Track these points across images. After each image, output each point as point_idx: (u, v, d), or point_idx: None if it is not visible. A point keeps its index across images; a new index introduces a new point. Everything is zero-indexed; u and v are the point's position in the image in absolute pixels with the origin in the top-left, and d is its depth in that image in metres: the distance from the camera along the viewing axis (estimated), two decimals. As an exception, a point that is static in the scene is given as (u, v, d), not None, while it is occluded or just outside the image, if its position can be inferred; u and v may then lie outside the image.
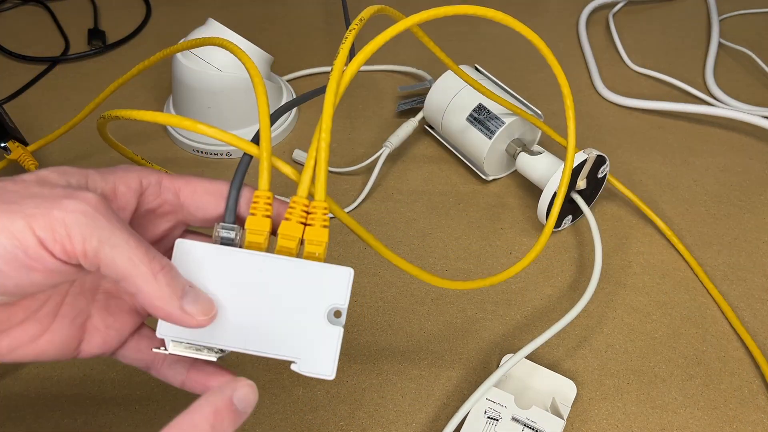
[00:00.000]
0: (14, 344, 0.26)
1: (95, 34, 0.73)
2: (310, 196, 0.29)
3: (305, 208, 0.28)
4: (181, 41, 0.57)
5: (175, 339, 0.27)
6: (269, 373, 0.44)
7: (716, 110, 0.61)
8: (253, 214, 0.28)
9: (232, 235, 0.28)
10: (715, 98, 0.67)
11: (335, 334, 0.27)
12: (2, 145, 0.55)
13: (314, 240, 0.28)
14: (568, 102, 0.42)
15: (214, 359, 0.27)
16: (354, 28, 0.31)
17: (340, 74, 0.29)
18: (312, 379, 0.44)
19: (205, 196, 0.29)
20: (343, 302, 0.27)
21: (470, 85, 0.50)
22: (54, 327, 0.27)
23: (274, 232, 0.28)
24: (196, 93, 0.57)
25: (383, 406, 0.43)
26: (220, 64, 0.55)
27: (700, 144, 0.62)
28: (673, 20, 0.79)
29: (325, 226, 0.28)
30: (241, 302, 0.27)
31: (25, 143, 0.56)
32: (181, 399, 0.43)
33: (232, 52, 0.34)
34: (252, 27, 0.76)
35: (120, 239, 0.23)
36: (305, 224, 0.28)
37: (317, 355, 0.27)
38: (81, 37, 0.74)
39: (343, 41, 0.30)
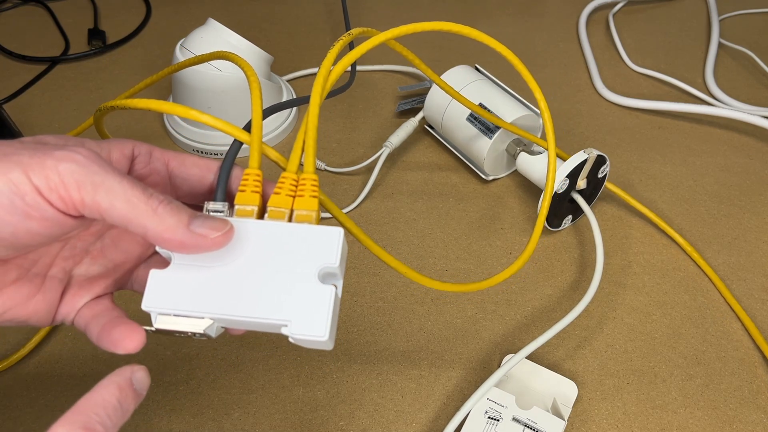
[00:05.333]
0: (8, 304, 0.26)
1: (95, 34, 0.73)
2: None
3: (294, 183, 0.28)
4: (180, 41, 0.58)
5: (161, 312, 0.26)
6: (269, 373, 0.44)
7: (716, 110, 0.61)
8: (242, 191, 0.28)
9: (221, 210, 0.28)
10: (715, 98, 0.67)
11: (327, 293, 0.26)
12: None
13: (303, 209, 0.28)
14: (543, 105, 0.43)
15: (201, 330, 0.26)
16: (342, 39, 0.33)
17: (328, 71, 0.31)
18: (312, 378, 0.44)
19: (192, 168, 0.30)
20: (334, 261, 0.26)
21: (452, 96, 0.49)
22: (44, 287, 0.27)
23: (264, 210, 0.28)
24: (196, 93, 0.57)
25: (383, 406, 0.43)
26: (220, 64, 0.55)
27: (700, 144, 0.62)
28: (673, 20, 0.79)
29: (314, 196, 0.28)
30: (229, 268, 0.26)
31: None
32: (181, 398, 0.44)
33: (234, 61, 0.35)
34: (252, 27, 0.76)
35: (114, 182, 0.23)
36: (295, 197, 0.28)
37: (309, 317, 0.25)
38: (81, 37, 0.74)
39: (332, 47, 0.32)
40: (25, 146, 0.23)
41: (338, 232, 0.27)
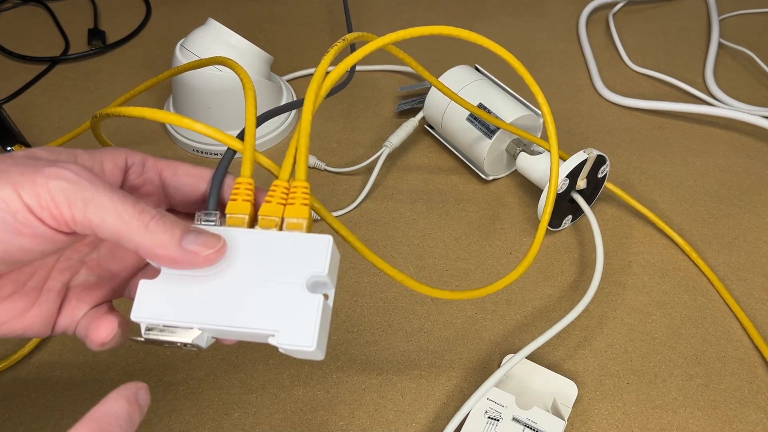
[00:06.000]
0: (3, 318, 0.26)
1: (95, 34, 0.73)
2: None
3: (285, 191, 0.28)
4: (180, 41, 0.58)
5: (150, 322, 0.26)
6: (269, 373, 0.44)
7: (716, 110, 0.61)
8: (234, 200, 0.28)
9: (212, 220, 0.28)
10: (715, 98, 0.67)
11: (315, 303, 0.25)
12: (8, 149, 0.55)
13: (294, 217, 0.27)
14: (545, 109, 0.43)
15: (190, 341, 0.26)
16: (337, 45, 0.33)
17: (322, 77, 0.31)
18: (312, 378, 0.44)
19: (185, 178, 0.29)
20: (322, 270, 0.26)
21: (451, 98, 0.49)
22: (40, 300, 0.27)
23: (255, 218, 0.28)
24: (196, 93, 0.57)
25: (383, 406, 0.43)
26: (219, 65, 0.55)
27: (700, 144, 0.62)
28: (673, 20, 0.79)
29: (305, 204, 0.28)
30: (218, 278, 0.26)
31: (29, 147, 0.57)
32: (181, 399, 0.44)
33: (230, 67, 0.35)
34: (252, 27, 0.76)
35: (104, 198, 0.23)
36: (286, 205, 0.28)
37: (297, 327, 0.25)
38: (81, 37, 0.74)
39: (326, 53, 0.32)
40: (16, 162, 0.23)
41: (327, 240, 0.26)
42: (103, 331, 0.27)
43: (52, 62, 0.70)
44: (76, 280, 0.29)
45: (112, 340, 0.27)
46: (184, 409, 0.42)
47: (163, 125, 0.63)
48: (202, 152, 0.60)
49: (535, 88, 0.42)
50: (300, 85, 0.68)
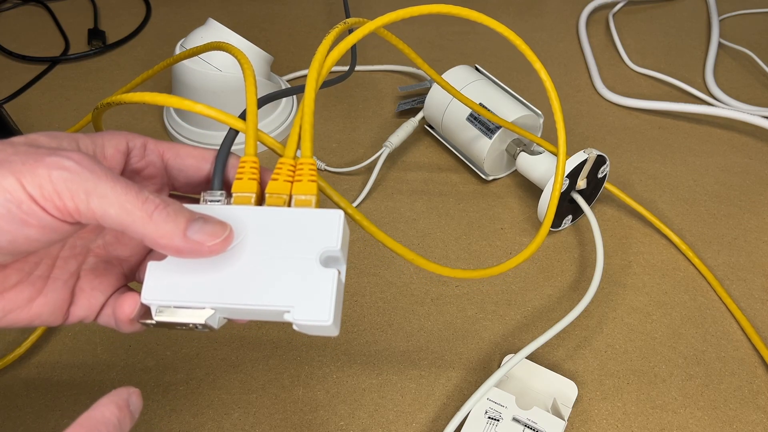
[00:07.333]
0: (9, 307, 0.26)
1: (95, 34, 0.73)
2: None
3: (292, 168, 0.28)
4: (180, 41, 0.58)
5: (161, 303, 0.26)
6: (269, 373, 0.44)
7: (716, 110, 0.61)
8: (239, 178, 0.28)
9: (218, 199, 0.27)
10: (715, 98, 0.67)
11: (330, 277, 0.25)
12: None
13: (302, 194, 0.27)
14: (553, 95, 0.42)
15: (203, 321, 0.25)
16: (338, 27, 0.33)
17: (324, 56, 0.31)
18: (312, 378, 0.44)
19: (188, 159, 0.29)
20: (335, 244, 0.26)
21: (452, 94, 0.49)
22: (47, 290, 0.27)
23: (262, 196, 0.28)
24: (196, 92, 0.57)
25: (383, 406, 0.43)
26: (219, 64, 0.55)
27: (700, 144, 0.62)
28: (673, 20, 0.79)
29: (312, 181, 0.28)
30: (229, 256, 0.26)
31: None
32: (181, 399, 0.44)
33: (228, 51, 0.35)
34: (252, 27, 0.76)
35: (106, 188, 0.23)
36: (293, 182, 0.28)
37: (312, 302, 0.25)
38: (81, 37, 0.74)
39: (327, 34, 0.32)
40: (17, 150, 0.23)
41: (338, 214, 0.26)
42: (127, 307, 0.27)
43: (52, 62, 0.70)
44: (84, 268, 0.29)
45: (138, 316, 0.27)
46: (184, 409, 0.42)
47: (163, 125, 0.63)
48: (202, 152, 0.60)
49: (538, 65, 0.41)
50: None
